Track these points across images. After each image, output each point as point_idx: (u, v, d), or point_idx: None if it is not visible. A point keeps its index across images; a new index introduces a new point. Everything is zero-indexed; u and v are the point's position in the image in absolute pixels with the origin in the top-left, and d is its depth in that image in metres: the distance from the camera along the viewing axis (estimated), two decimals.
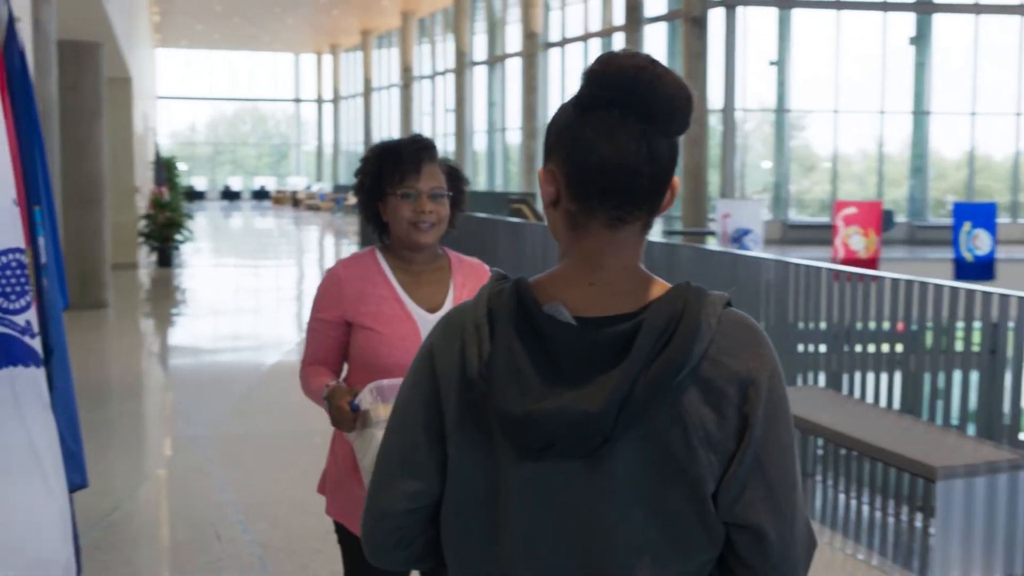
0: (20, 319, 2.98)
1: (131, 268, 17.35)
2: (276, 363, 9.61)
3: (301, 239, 28.20)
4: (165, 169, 26.97)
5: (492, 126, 33.85)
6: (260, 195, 53.26)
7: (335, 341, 2.81)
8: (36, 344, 3.02)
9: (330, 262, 21.04)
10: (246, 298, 15.58)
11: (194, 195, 51.10)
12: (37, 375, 3.02)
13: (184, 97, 55.64)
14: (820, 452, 6.04)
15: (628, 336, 1.35)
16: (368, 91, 44.85)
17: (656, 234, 22.63)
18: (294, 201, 45.56)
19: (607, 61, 1.39)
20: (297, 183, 53.82)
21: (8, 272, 2.95)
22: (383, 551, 1.51)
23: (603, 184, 1.39)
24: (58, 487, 3.08)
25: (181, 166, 46.27)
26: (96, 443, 6.69)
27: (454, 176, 2.84)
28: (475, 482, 1.43)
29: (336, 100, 52.03)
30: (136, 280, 16.47)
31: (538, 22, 28.82)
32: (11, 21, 3.51)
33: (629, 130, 1.37)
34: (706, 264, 7.37)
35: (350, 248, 21.90)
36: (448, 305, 2.78)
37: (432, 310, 2.77)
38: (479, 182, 34.06)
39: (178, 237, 18.57)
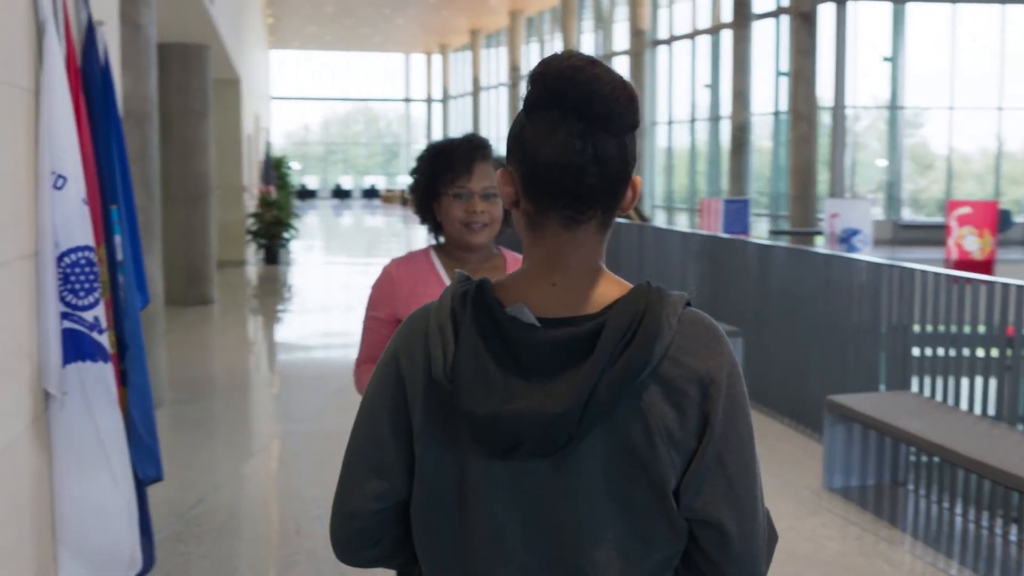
0: (89, 315, 3.04)
1: (239, 265, 17.74)
2: None
3: (409, 236, 28.45)
4: (275, 168, 27.51)
5: None
6: (370, 194, 53.99)
7: (388, 339, 2.81)
8: (104, 340, 3.09)
9: None
10: (351, 295, 15.75)
11: (306, 194, 52.09)
12: (104, 370, 3.09)
13: (297, 97, 56.68)
14: (912, 460, 5.85)
15: (591, 336, 1.37)
16: (476, 90, 45.11)
17: (762, 233, 22.32)
18: (403, 200, 46.01)
19: (547, 63, 1.42)
20: (406, 182, 54.31)
21: (77, 270, 3.01)
22: (351, 550, 1.54)
23: (551, 185, 1.41)
24: (123, 480, 3.14)
25: (294, 165, 46.78)
26: (192, 437, 6.86)
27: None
28: (443, 482, 1.45)
29: (445, 100, 52.46)
30: (243, 277, 16.83)
31: (645, 19, 28.62)
32: (91, 24, 3.59)
33: (570, 130, 1.39)
34: (799, 264, 7.21)
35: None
36: None
37: None
38: None
39: (285, 235, 18.92)
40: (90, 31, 3.59)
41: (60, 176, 2.99)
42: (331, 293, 15.80)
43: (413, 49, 54.20)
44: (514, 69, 39.13)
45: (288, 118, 59.28)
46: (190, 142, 12.84)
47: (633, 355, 1.34)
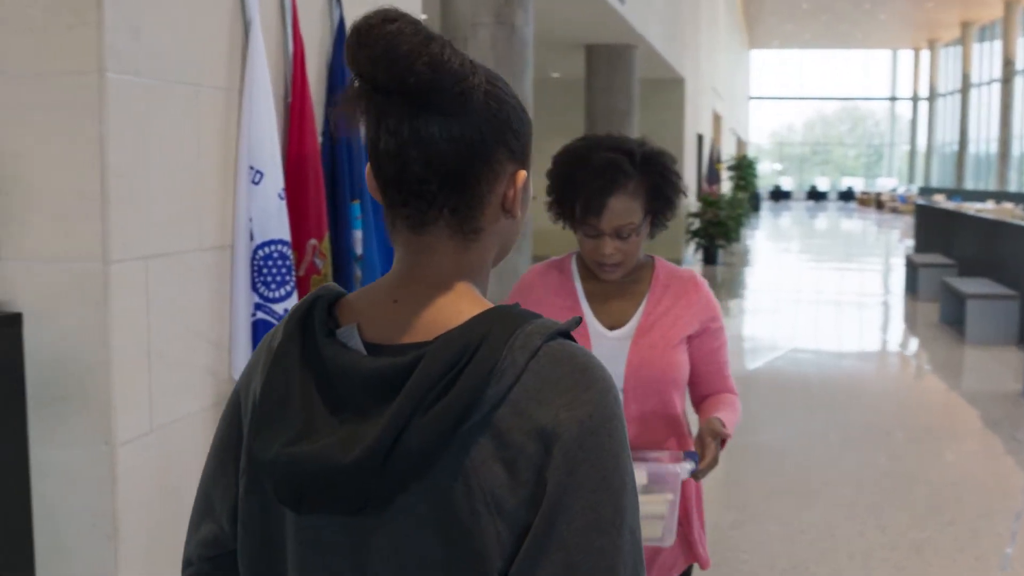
0: (279, 307, 3.12)
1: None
2: (756, 369, 9.33)
3: (887, 241, 27.07)
4: (741, 169, 27.35)
5: None
6: (846, 196, 52.24)
7: None
8: None
9: (878, 267, 20.07)
10: (771, 299, 15.23)
11: (779, 195, 51.48)
12: None
13: (777, 97, 56.07)
14: None
15: (409, 371, 1.08)
16: (966, 87, 42.03)
17: None
18: (877, 203, 44.05)
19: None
20: (886, 184, 52.09)
21: (270, 263, 3.09)
22: None
23: (378, 172, 1.15)
24: None
25: (774, 166, 45.81)
26: None
27: (659, 182, 2.44)
28: (259, 530, 1.21)
29: (932, 98, 49.40)
30: None
31: None
32: (342, 23, 3.68)
33: (378, 104, 1.11)
34: None
35: (897, 250, 20.48)
36: (635, 323, 2.46)
37: (614, 327, 2.47)
38: None
39: (727, 236, 18.70)
40: (340, 30, 3.68)
41: (258, 171, 3.08)
42: (754, 296, 15.38)
43: (899, 45, 51.68)
44: (1008, 63, 36.05)
45: (771, 118, 58.89)
46: None
47: (454, 399, 1.05)
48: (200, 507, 1.31)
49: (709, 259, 18.53)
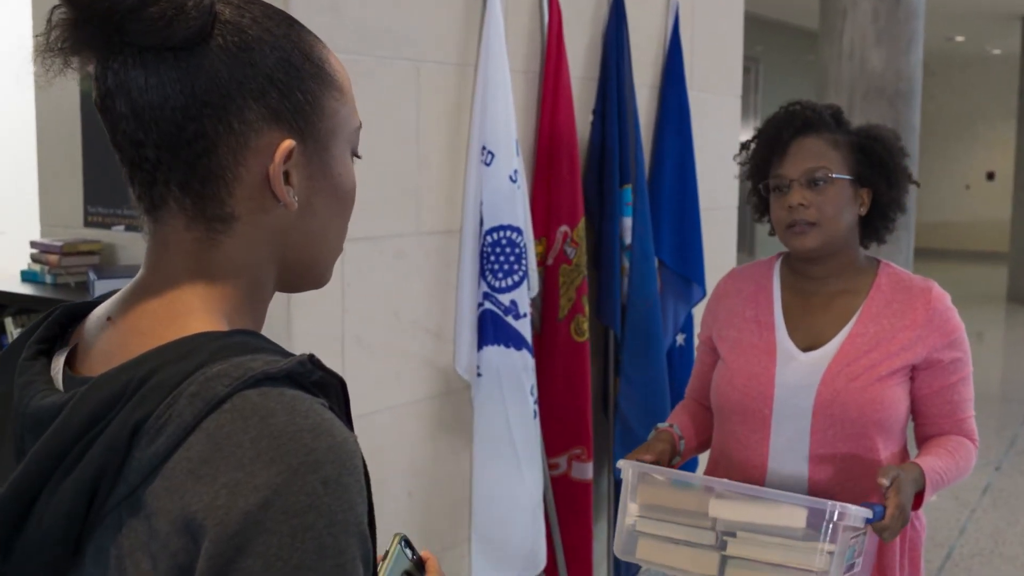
0: (505, 298, 2.95)
1: None
2: None
3: None
4: None
5: None
6: None
7: (711, 368, 2.21)
8: (521, 326, 2.96)
9: None
10: None
11: None
12: (515, 357, 2.96)
13: None
14: None
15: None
16: None
17: None
18: None
19: None
20: None
21: (498, 250, 2.92)
22: None
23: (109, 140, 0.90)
24: (529, 473, 3.01)
25: None
26: None
27: (872, 146, 1.98)
28: None
29: None
30: None
31: None
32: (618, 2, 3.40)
33: (79, 41, 0.83)
34: None
35: None
36: (835, 345, 2.00)
37: (809, 348, 2.02)
38: None
39: None
40: (618, 5, 3.40)
41: (489, 152, 2.90)
42: None
43: None
44: None
45: None
46: None
47: (88, 463, 0.78)
48: None
49: None
